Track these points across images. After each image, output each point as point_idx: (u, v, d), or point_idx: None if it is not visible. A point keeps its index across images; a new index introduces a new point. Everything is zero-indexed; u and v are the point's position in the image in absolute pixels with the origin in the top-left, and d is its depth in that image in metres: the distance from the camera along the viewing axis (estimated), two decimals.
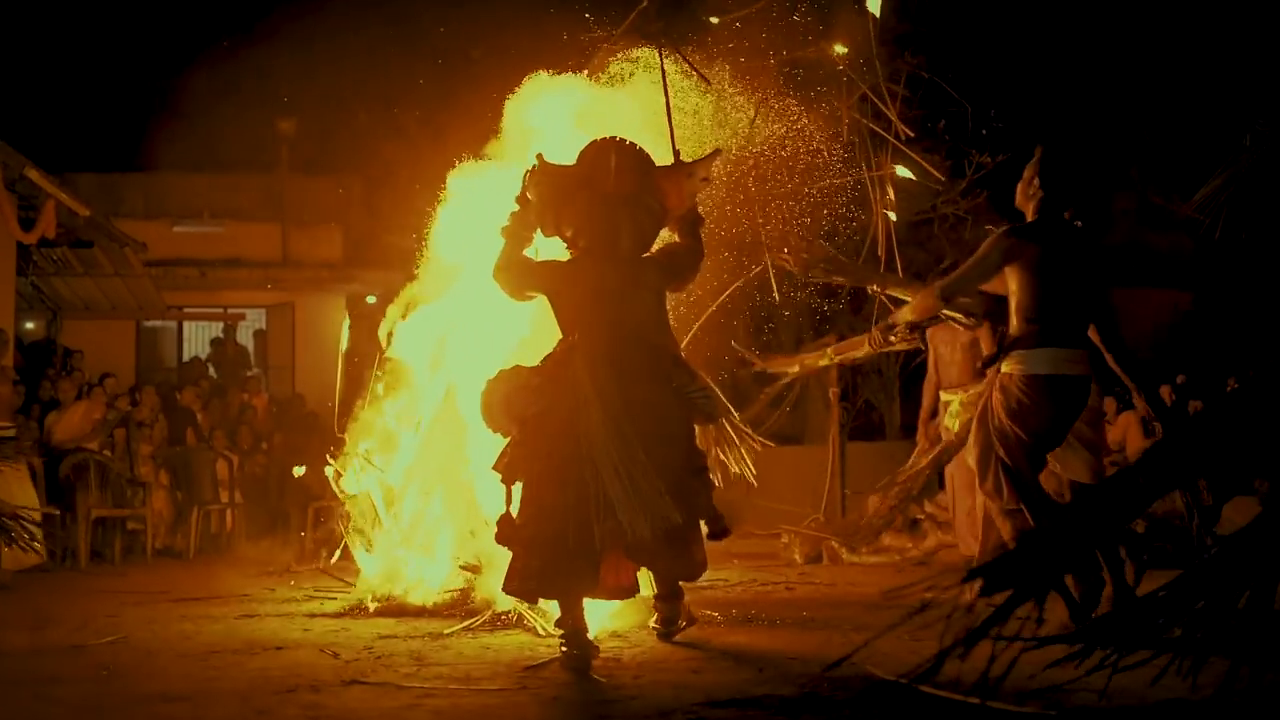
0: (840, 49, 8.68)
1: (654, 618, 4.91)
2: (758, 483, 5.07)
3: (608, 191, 4.72)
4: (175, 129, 15.61)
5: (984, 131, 13.58)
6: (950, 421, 8.36)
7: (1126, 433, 12.52)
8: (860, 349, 8.53)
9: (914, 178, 9.40)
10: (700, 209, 5.19)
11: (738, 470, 4.83)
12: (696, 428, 4.74)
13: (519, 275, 4.82)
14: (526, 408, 4.47)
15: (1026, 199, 4.94)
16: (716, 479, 4.72)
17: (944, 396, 8.47)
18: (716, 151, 5.16)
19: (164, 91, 15.30)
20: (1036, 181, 4.89)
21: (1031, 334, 4.73)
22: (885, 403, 13.66)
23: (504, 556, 4.56)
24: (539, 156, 4.88)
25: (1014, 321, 4.81)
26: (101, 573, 9.02)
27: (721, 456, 4.82)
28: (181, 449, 11.57)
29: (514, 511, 4.46)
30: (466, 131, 6.85)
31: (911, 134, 8.83)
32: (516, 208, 4.90)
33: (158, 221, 15.55)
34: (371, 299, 14.96)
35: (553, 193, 4.81)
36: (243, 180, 17.11)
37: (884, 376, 14.70)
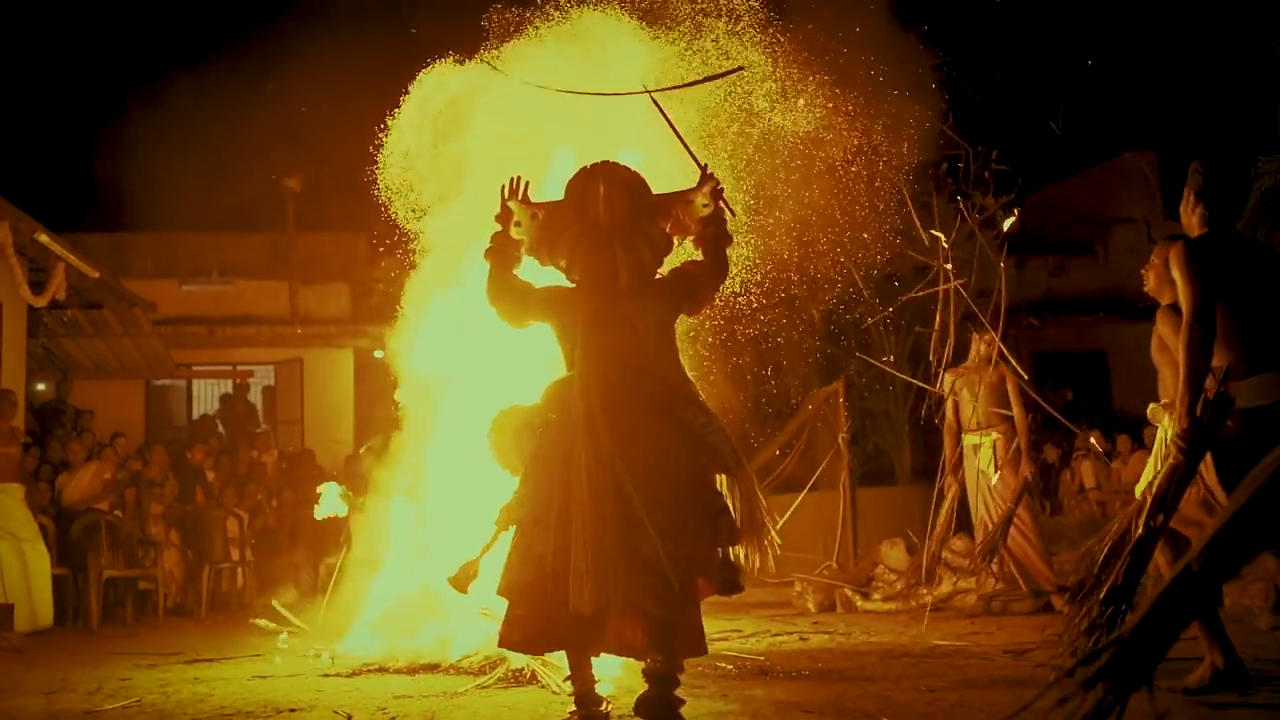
0: (943, 241, 8.77)
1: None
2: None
3: (599, 222, 4.40)
4: (183, 189, 15.75)
5: (986, 174, 13.66)
6: (985, 466, 8.37)
7: (1140, 473, 12.47)
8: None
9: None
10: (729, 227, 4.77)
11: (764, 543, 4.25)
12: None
13: (517, 301, 4.49)
14: (530, 447, 4.24)
15: (1190, 215, 4.60)
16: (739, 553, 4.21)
17: (971, 440, 8.46)
18: (711, 177, 4.74)
19: (171, 152, 15.42)
20: (1194, 198, 4.56)
21: (1237, 361, 4.21)
22: (895, 447, 13.62)
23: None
24: (512, 200, 4.58)
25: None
26: (114, 634, 8.99)
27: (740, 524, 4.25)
28: (192, 508, 11.58)
29: (479, 559, 4.19)
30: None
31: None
32: (497, 227, 4.59)
33: (166, 281, 15.66)
34: (379, 354, 15.01)
35: (541, 229, 4.52)
36: (250, 238, 17.25)
37: (893, 420, 14.68)
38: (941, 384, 8.80)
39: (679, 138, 5.08)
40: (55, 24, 23.11)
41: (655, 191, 4.63)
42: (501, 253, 4.55)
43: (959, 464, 8.56)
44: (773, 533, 4.28)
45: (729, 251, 4.70)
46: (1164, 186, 17.99)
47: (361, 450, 11.39)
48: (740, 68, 6.46)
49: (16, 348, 10.62)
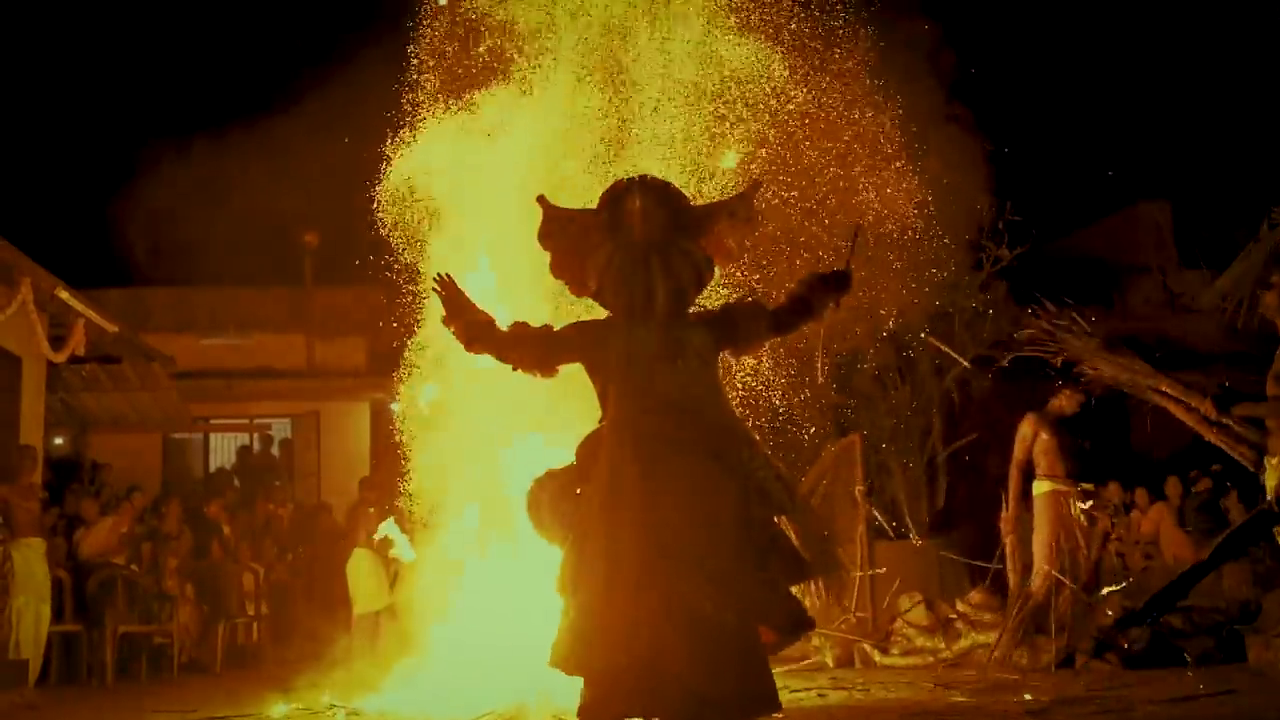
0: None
1: None
2: None
3: (634, 238, 4.05)
4: (201, 243, 15.88)
5: (1000, 225, 13.67)
6: (1079, 514, 8.25)
7: (1160, 525, 12.37)
8: None
9: None
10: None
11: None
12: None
13: (536, 352, 4.16)
14: (572, 513, 3.96)
15: None
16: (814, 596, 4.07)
17: (1060, 486, 8.25)
18: (756, 185, 4.44)
19: (189, 206, 15.59)
20: None
21: None
22: (911, 499, 13.49)
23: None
24: (540, 199, 4.27)
25: None
26: (128, 690, 8.96)
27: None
28: (207, 562, 11.57)
29: (565, 633, 3.94)
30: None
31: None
32: (441, 307, 4.25)
33: (184, 335, 15.73)
34: (396, 407, 15.04)
35: (570, 243, 4.17)
36: (268, 293, 17.37)
37: (909, 472, 14.57)
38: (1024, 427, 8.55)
39: (849, 256, 4.67)
40: (75, 81, 23.47)
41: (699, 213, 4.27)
42: (485, 336, 4.23)
43: (1020, 509, 8.34)
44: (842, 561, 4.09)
45: (806, 324, 4.39)
46: (1179, 236, 17.96)
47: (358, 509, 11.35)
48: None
49: (35, 403, 10.70)
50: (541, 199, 4.26)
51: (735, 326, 4.17)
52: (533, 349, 4.18)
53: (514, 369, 4.28)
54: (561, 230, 4.21)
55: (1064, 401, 8.56)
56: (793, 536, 3.98)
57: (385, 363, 16.53)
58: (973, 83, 12.32)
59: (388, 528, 9.02)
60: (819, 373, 8.60)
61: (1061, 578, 7.97)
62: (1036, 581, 8.11)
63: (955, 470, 13.89)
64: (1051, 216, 14.25)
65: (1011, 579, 8.37)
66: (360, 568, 10.20)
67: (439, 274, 4.34)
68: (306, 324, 16.83)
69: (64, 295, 10.05)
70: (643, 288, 4.00)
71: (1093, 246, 19.14)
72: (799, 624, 3.91)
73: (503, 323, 4.37)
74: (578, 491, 3.99)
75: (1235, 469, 12.76)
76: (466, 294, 4.29)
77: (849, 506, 10.32)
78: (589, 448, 4.04)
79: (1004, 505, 8.46)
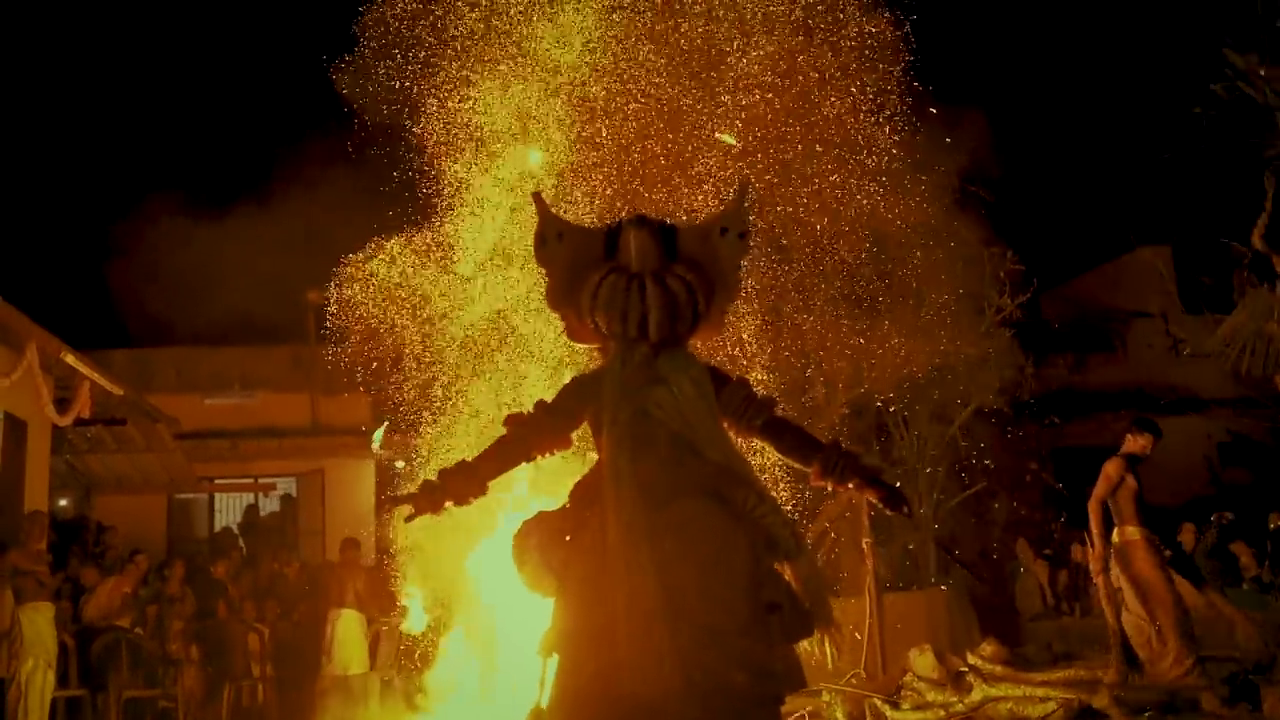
0: None
1: None
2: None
3: (629, 265, 3.87)
4: (205, 303, 15.96)
5: (1001, 274, 13.72)
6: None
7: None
8: None
9: None
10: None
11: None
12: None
13: (543, 424, 3.93)
14: (561, 560, 3.75)
15: None
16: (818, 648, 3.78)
17: (1145, 533, 8.09)
18: (743, 189, 4.19)
19: (192, 267, 15.69)
20: None
21: None
22: (921, 549, 13.45)
23: None
24: (535, 196, 4.12)
25: None
26: None
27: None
28: (213, 622, 11.47)
29: (539, 701, 3.70)
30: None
31: None
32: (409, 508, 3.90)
33: (188, 395, 15.76)
34: (400, 464, 15.02)
35: (563, 266, 4.00)
36: (272, 351, 17.41)
37: (918, 521, 14.53)
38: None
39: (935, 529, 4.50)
40: (79, 144, 23.69)
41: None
42: (482, 469, 3.94)
43: (1111, 556, 8.18)
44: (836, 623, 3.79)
45: (801, 465, 3.96)
46: (1179, 280, 18.01)
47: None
48: None
49: (40, 466, 10.69)
50: (537, 196, 4.13)
51: (722, 385, 3.92)
52: (539, 427, 3.96)
53: (529, 461, 4.04)
54: (555, 241, 4.04)
55: (1133, 445, 8.44)
56: (794, 583, 3.78)
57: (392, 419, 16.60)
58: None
59: (408, 598, 8.98)
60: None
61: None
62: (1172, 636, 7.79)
63: (963, 519, 13.85)
64: (1051, 263, 14.29)
65: (1108, 613, 8.23)
66: (350, 630, 10.17)
67: (395, 507, 4.16)
68: (310, 382, 16.85)
69: (69, 358, 10.08)
70: (636, 311, 3.84)
71: (1095, 292, 19.19)
72: (777, 700, 3.69)
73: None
74: (567, 539, 3.78)
75: (1244, 517, 12.73)
76: (422, 491, 3.97)
77: (856, 558, 10.29)
78: (582, 491, 3.87)
79: (1089, 544, 8.32)
